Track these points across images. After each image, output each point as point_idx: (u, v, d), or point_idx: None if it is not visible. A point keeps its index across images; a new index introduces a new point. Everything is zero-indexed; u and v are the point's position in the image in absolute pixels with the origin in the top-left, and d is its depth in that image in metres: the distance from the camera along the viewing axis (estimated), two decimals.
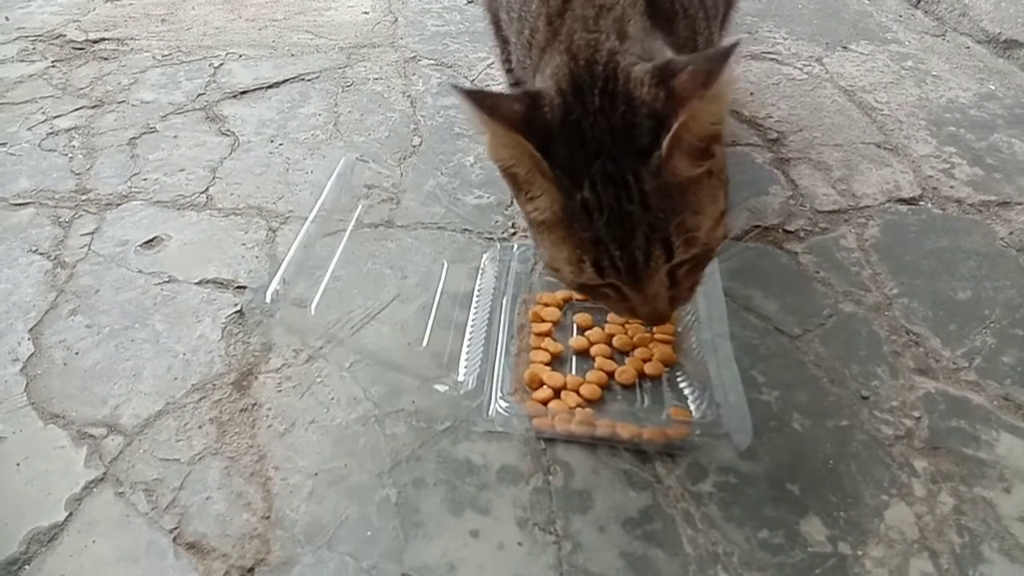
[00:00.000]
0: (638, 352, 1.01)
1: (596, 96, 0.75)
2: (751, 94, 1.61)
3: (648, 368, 0.99)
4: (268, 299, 0.94)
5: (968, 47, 1.85)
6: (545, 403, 0.94)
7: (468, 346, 1.02)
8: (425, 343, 1.04)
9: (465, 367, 0.99)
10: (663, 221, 0.73)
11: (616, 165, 0.73)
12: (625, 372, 0.98)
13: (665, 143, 0.70)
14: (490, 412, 0.94)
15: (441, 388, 0.96)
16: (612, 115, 0.74)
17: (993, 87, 1.67)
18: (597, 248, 0.75)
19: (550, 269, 0.84)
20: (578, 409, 0.93)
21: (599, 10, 0.81)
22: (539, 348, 1.02)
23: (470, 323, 1.05)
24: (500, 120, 0.71)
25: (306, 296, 1.07)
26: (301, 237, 1.02)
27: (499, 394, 0.95)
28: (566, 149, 0.74)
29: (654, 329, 1.03)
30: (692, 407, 0.94)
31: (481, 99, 0.71)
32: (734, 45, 0.68)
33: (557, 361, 1.01)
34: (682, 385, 0.97)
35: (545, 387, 0.96)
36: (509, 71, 1.12)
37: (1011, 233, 1.26)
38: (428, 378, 0.98)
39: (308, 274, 1.04)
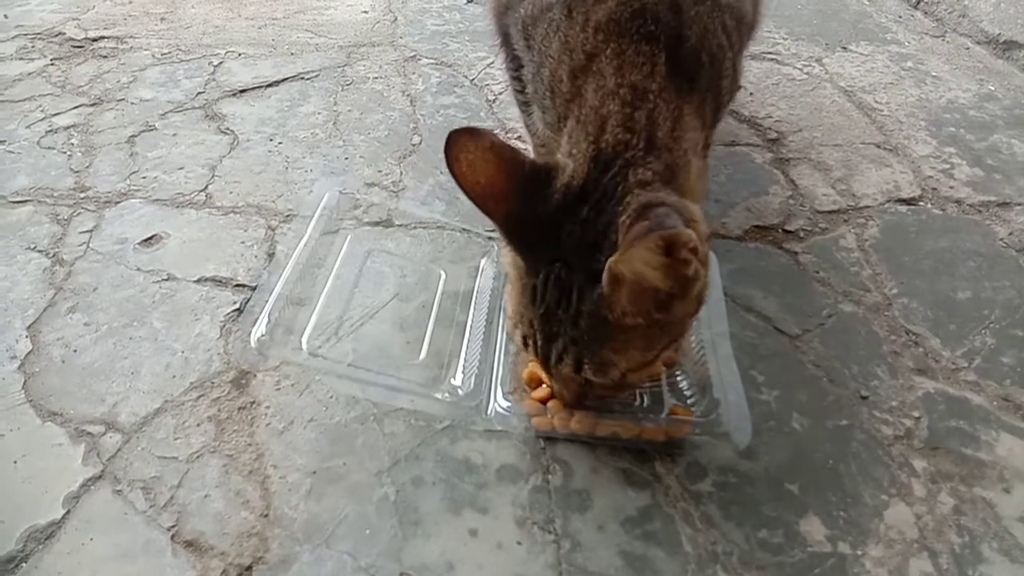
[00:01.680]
0: None
1: (588, 207, 0.77)
2: (751, 94, 1.61)
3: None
4: (254, 343, 0.97)
5: (968, 48, 1.85)
6: (544, 402, 0.94)
7: (467, 346, 1.02)
8: (427, 344, 1.04)
9: (464, 368, 0.99)
10: (584, 343, 0.78)
11: (568, 275, 0.76)
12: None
13: (604, 277, 0.72)
14: (489, 411, 0.93)
15: (439, 396, 0.96)
16: (590, 230, 0.76)
17: (993, 88, 1.67)
18: (529, 327, 0.81)
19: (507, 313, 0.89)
20: (576, 412, 0.91)
21: (635, 95, 0.82)
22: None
23: (469, 323, 1.05)
24: (465, 183, 0.76)
25: (304, 297, 1.08)
26: (285, 276, 1.04)
27: (498, 393, 0.95)
28: (542, 238, 0.78)
29: None
30: (692, 406, 0.94)
31: (456, 150, 0.75)
32: (667, 229, 0.68)
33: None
34: (682, 384, 0.97)
35: (544, 386, 0.95)
36: (515, 78, 1.11)
37: (1011, 233, 1.26)
38: (425, 385, 0.97)
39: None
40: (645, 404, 0.95)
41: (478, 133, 0.76)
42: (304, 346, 1.01)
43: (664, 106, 0.83)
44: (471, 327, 1.05)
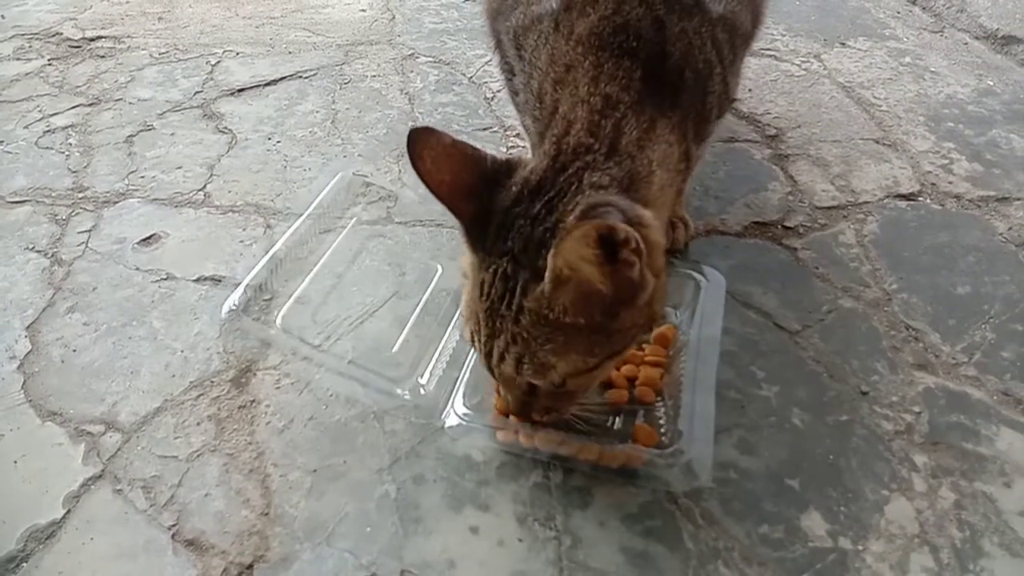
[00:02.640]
0: (625, 370, 0.98)
1: (540, 204, 0.77)
2: (749, 90, 1.61)
3: (639, 393, 0.96)
4: (224, 312, 1.00)
5: (966, 43, 1.84)
6: (508, 414, 0.90)
7: (443, 345, 1.01)
8: (411, 340, 1.03)
9: (432, 368, 0.97)
10: (524, 342, 0.77)
11: (514, 271, 0.76)
12: (615, 395, 0.95)
13: (546, 276, 0.73)
14: (445, 415, 0.92)
15: (400, 393, 0.95)
16: (538, 227, 0.76)
17: (991, 83, 1.67)
18: (475, 323, 0.81)
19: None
20: (540, 429, 0.89)
21: (606, 104, 0.83)
22: None
23: (453, 322, 1.03)
24: (429, 183, 0.78)
25: (304, 295, 1.08)
26: (275, 250, 1.08)
27: (458, 399, 0.93)
28: (495, 233, 0.78)
29: (645, 349, 1.00)
30: (659, 430, 0.92)
31: (418, 151, 0.77)
32: (597, 222, 0.68)
33: None
34: (658, 406, 0.95)
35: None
36: (509, 80, 1.11)
37: (1010, 228, 1.26)
38: (392, 381, 0.97)
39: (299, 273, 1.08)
40: (617, 426, 0.93)
41: (438, 132, 0.78)
42: (279, 322, 1.02)
43: (634, 117, 0.83)
44: (452, 327, 1.03)
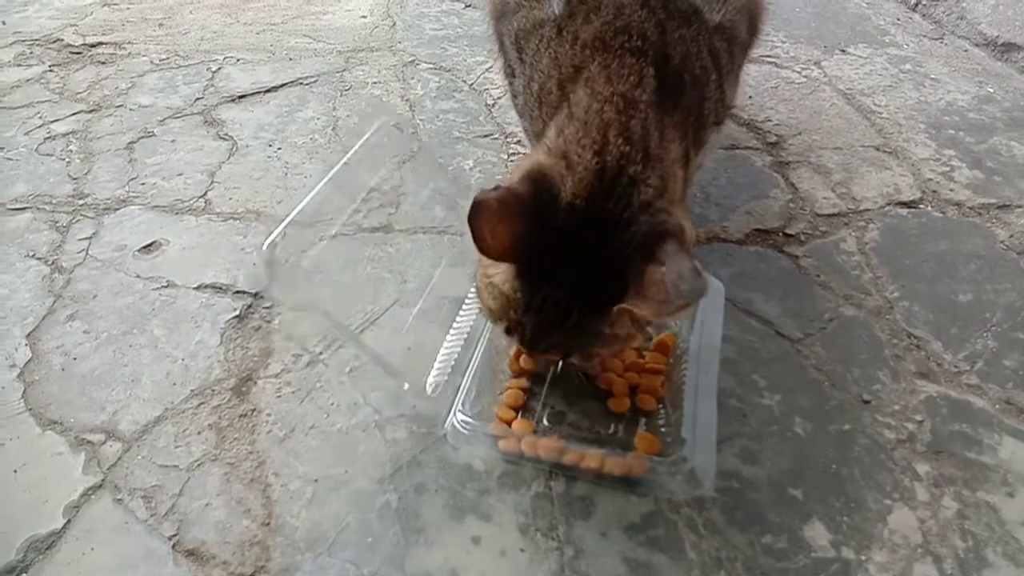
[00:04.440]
0: (627, 377, 0.98)
1: (596, 232, 0.78)
2: (750, 98, 1.61)
3: (640, 401, 0.95)
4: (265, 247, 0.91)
5: (966, 50, 1.85)
6: (510, 423, 0.92)
7: (444, 353, 1.00)
8: (415, 348, 1.03)
9: (435, 375, 0.97)
10: (576, 345, 0.83)
11: (568, 301, 0.78)
12: (617, 403, 0.95)
13: (615, 310, 0.76)
14: (446, 425, 0.92)
15: (404, 405, 0.95)
16: (595, 254, 0.78)
17: (992, 90, 1.67)
18: (517, 325, 0.83)
19: (476, 293, 0.89)
20: (542, 437, 0.90)
21: (627, 104, 0.83)
22: (519, 373, 0.99)
23: (452, 332, 1.03)
24: (488, 252, 0.78)
25: (304, 303, 1.07)
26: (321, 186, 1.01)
27: (459, 407, 0.94)
28: (545, 260, 0.78)
29: (646, 357, 1.01)
30: (661, 437, 0.92)
31: (479, 225, 0.75)
32: (697, 294, 0.72)
33: (536, 377, 0.98)
34: (659, 413, 0.95)
35: (510, 408, 0.94)
36: (511, 82, 1.12)
37: (1011, 236, 1.26)
38: (396, 390, 0.97)
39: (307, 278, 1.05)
40: (619, 434, 0.93)
41: (486, 200, 0.75)
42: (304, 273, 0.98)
43: (654, 117, 0.84)
44: (452, 333, 1.03)
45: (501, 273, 0.81)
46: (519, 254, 0.77)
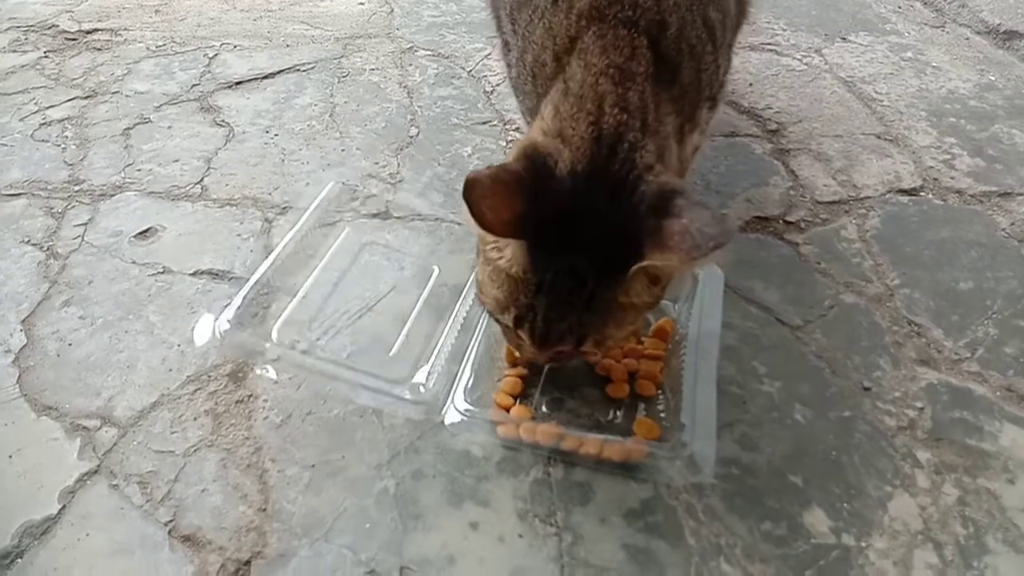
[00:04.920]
0: (625, 363, 0.97)
1: (604, 196, 0.77)
2: (750, 85, 1.60)
3: (639, 387, 0.96)
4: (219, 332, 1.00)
5: (968, 38, 1.84)
6: (508, 409, 0.92)
7: (442, 342, 1.00)
8: (409, 337, 1.02)
9: (432, 365, 0.97)
10: (591, 323, 0.80)
11: (587, 267, 0.76)
12: (616, 388, 0.95)
13: (632, 270, 0.74)
14: (444, 411, 0.92)
15: (401, 393, 0.94)
16: (607, 221, 0.76)
17: (993, 78, 1.66)
18: (527, 311, 0.80)
19: (477, 287, 0.87)
20: (541, 423, 0.90)
21: (623, 76, 0.82)
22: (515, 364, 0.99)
23: (451, 318, 1.03)
24: (498, 231, 0.75)
25: (301, 290, 1.07)
26: (268, 264, 1.08)
27: (459, 395, 0.93)
28: (555, 232, 0.76)
29: (645, 343, 1.01)
30: (661, 423, 0.92)
31: (481, 208, 0.73)
32: (727, 236, 0.71)
33: (534, 365, 0.97)
34: (659, 399, 0.95)
35: (509, 393, 0.94)
36: (507, 55, 1.11)
37: (1012, 224, 1.25)
38: (392, 381, 0.96)
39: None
40: (617, 420, 0.93)
41: (481, 176, 0.74)
42: (274, 336, 1.01)
43: (650, 89, 0.83)
44: (451, 322, 1.03)
45: (508, 255, 0.78)
46: (525, 229, 0.75)
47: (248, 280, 1.06)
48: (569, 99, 0.82)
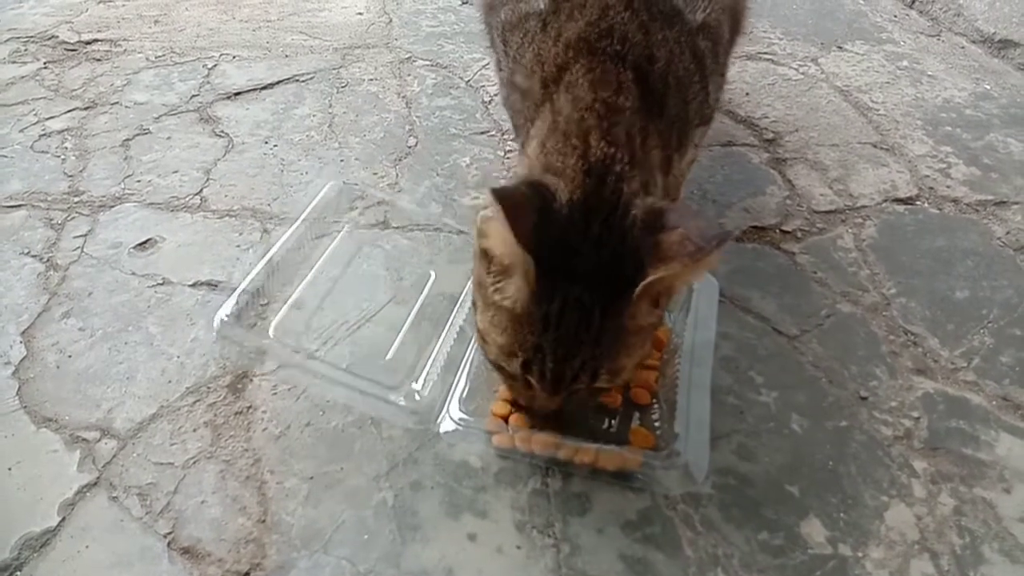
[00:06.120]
0: None
1: (598, 224, 0.77)
2: (747, 94, 1.61)
3: (634, 395, 0.96)
4: (217, 322, 1.01)
5: (963, 47, 1.85)
6: (505, 418, 0.92)
7: (438, 350, 1.01)
8: (405, 346, 1.03)
9: (427, 373, 0.97)
10: (603, 356, 0.79)
11: (591, 295, 0.76)
12: (609, 397, 0.95)
13: (637, 290, 0.74)
14: (439, 420, 0.92)
15: (395, 400, 0.95)
16: (605, 249, 0.77)
17: (988, 87, 1.67)
18: (535, 353, 0.79)
19: (478, 338, 0.86)
20: (537, 433, 0.90)
21: (609, 110, 0.83)
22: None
23: (447, 326, 1.04)
24: (520, 235, 0.73)
25: (300, 300, 1.07)
26: (266, 260, 1.10)
27: (453, 404, 0.94)
28: (556, 263, 0.76)
29: None
30: (655, 432, 0.92)
31: (509, 206, 0.72)
32: (729, 233, 0.74)
33: None
34: (653, 408, 0.95)
35: (505, 403, 0.94)
36: (500, 71, 1.12)
37: (1008, 232, 1.26)
38: (388, 388, 0.96)
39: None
40: (612, 429, 0.93)
41: (505, 186, 0.76)
42: (273, 330, 1.03)
43: (637, 122, 0.84)
44: (448, 332, 1.03)
45: (510, 292, 0.78)
46: (538, 244, 0.74)
47: (247, 278, 1.07)
48: (556, 135, 0.83)
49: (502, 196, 0.72)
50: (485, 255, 0.80)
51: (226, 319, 1.01)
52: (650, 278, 0.73)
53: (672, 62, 0.91)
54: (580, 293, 0.76)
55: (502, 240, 0.75)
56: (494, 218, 0.73)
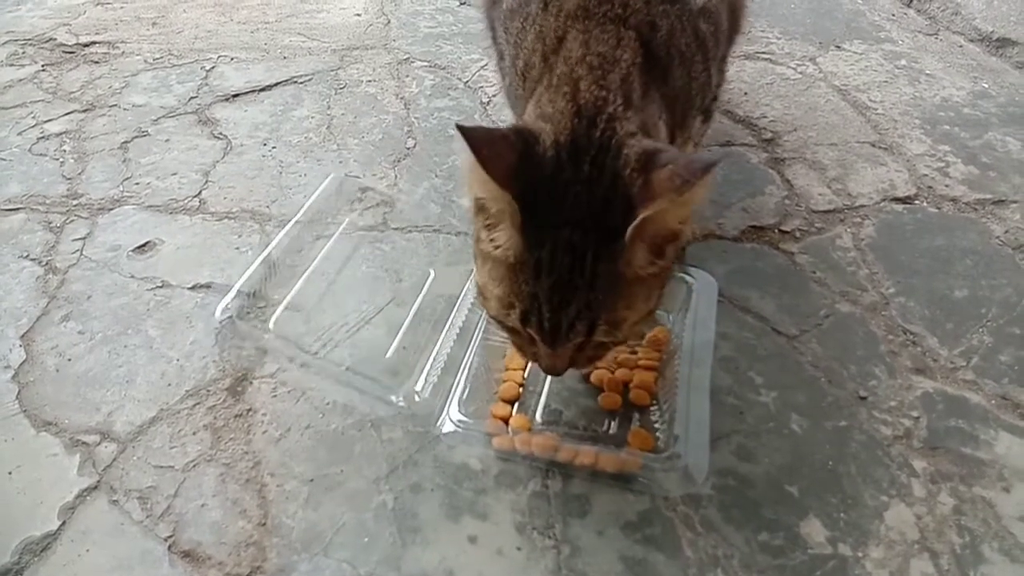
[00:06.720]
0: (619, 374, 0.98)
1: (587, 164, 0.76)
2: (745, 94, 1.61)
3: (634, 396, 0.96)
4: (218, 313, 1.02)
5: (961, 46, 1.85)
6: (505, 420, 0.92)
7: (437, 350, 1.01)
8: (404, 346, 1.03)
9: (427, 373, 0.98)
10: (599, 305, 0.76)
11: (582, 238, 0.74)
12: (608, 399, 0.96)
13: (629, 232, 0.71)
14: (439, 422, 0.92)
15: (395, 400, 0.95)
16: (596, 188, 0.75)
17: (986, 85, 1.67)
18: (532, 302, 0.77)
19: (479, 294, 0.85)
20: (537, 434, 0.91)
21: (603, 61, 0.82)
22: (512, 369, 0.99)
23: (446, 327, 1.04)
24: (493, 172, 0.71)
25: (299, 302, 1.08)
26: (267, 253, 1.10)
27: (453, 405, 0.94)
28: (544, 207, 0.74)
29: (638, 352, 1.01)
30: (655, 434, 0.92)
31: (479, 144, 0.71)
32: (715, 162, 0.70)
33: (531, 376, 0.99)
34: (653, 410, 0.96)
35: (505, 404, 0.94)
36: (501, 65, 1.12)
37: (1007, 231, 1.26)
38: (387, 388, 0.97)
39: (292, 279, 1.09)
40: (612, 431, 0.93)
41: (475, 126, 0.73)
42: (272, 328, 1.03)
43: (637, 75, 0.83)
44: (447, 333, 1.03)
45: (501, 239, 0.76)
46: (518, 184, 0.72)
47: (244, 275, 1.07)
48: (550, 90, 0.83)
49: (469, 133, 0.71)
50: (481, 208, 0.79)
51: (226, 320, 1.01)
52: (640, 217, 0.70)
53: (674, 35, 0.90)
54: (571, 236, 0.74)
55: (482, 183, 0.73)
56: (472, 166, 0.71)
